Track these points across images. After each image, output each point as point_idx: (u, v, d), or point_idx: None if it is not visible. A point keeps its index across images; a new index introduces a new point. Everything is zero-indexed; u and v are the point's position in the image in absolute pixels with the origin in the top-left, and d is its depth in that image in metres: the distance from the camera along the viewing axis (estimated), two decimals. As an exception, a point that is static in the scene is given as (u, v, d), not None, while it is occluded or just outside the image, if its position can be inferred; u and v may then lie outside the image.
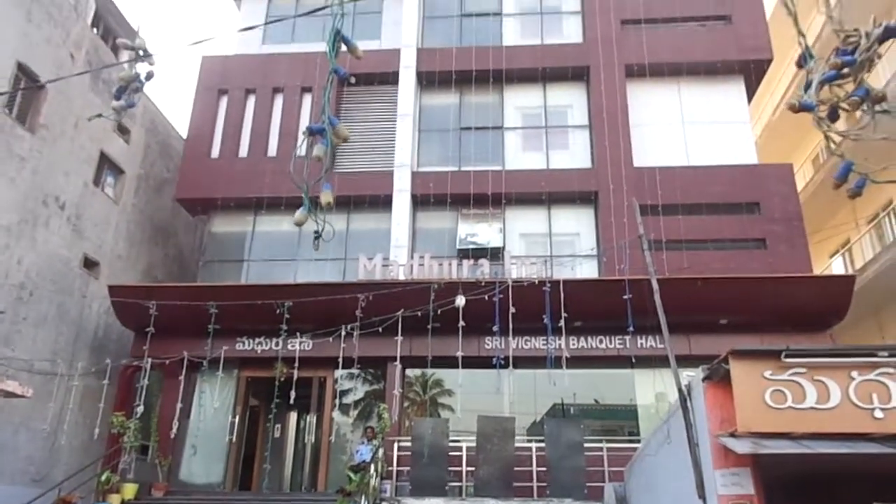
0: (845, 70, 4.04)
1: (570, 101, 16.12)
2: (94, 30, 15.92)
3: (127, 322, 13.72)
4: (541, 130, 15.96)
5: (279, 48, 16.86)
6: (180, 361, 12.46)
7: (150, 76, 5.44)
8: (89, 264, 14.80)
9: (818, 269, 16.45)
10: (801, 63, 4.46)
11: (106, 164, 15.59)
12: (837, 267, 17.77)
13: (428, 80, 16.19)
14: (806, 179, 17.40)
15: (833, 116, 4.14)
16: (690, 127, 15.23)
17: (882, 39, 3.98)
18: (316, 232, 3.99)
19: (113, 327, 14.65)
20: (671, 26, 15.80)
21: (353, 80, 4.61)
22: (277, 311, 12.27)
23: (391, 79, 16.05)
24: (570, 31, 16.74)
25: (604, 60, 15.60)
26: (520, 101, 16.21)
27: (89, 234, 14.79)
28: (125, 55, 6.26)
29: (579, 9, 16.70)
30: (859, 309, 12.92)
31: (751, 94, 15.85)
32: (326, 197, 3.89)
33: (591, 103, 15.49)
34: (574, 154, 15.59)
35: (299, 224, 3.96)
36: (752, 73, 15.46)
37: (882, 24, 3.99)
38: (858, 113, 4.15)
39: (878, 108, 3.87)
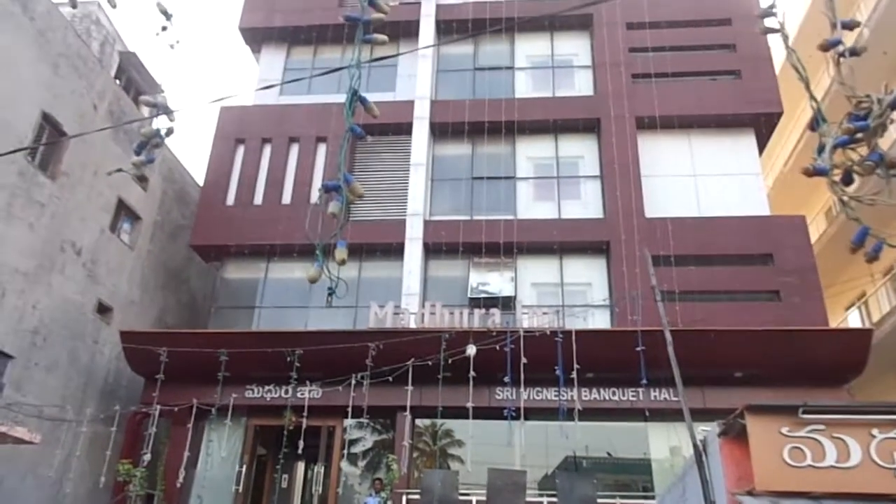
0: (858, 135, 4.07)
1: (581, 151, 16.28)
2: (118, 81, 16.39)
3: (137, 368, 13.71)
4: (552, 181, 16.08)
5: (296, 99, 17.24)
6: (189, 409, 12.38)
7: (170, 132, 5.57)
8: (103, 310, 14.90)
9: (834, 322, 16.25)
10: (814, 126, 4.50)
11: (123, 210, 15.83)
12: (854, 320, 17.54)
13: (441, 131, 16.45)
14: (819, 231, 17.34)
15: (847, 180, 4.16)
16: (702, 179, 15.29)
17: (894, 106, 4.02)
18: (329, 288, 3.99)
19: (123, 373, 14.64)
20: (681, 80, 16.02)
21: (368, 138, 4.66)
22: (288, 360, 12.22)
23: (405, 129, 16.32)
24: (582, 85, 17.03)
25: (615, 113, 15.81)
26: (532, 152, 16.40)
27: (104, 280, 14.92)
28: (146, 111, 6.42)
29: (590, 63, 17.02)
30: (877, 363, 12.68)
31: (762, 146, 15.95)
32: (341, 254, 3.90)
33: (603, 154, 15.64)
34: (586, 204, 15.66)
35: (313, 281, 3.97)
36: (763, 125, 15.60)
37: (894, 90, 4.03)
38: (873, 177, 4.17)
39: (893, 172, 3.88)
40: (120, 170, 6.47)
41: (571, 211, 15.53)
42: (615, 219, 14.68)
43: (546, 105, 16.48)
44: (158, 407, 12.15)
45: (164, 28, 6.27)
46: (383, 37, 4.68)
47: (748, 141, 15.63)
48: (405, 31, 17.43)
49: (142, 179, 16.44)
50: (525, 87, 17.22)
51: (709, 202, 14.97)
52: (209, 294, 17.25)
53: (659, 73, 15.99)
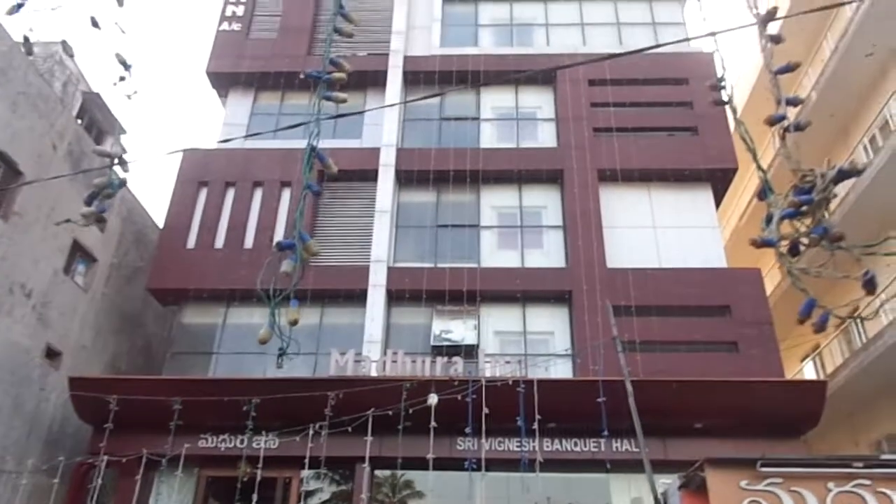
0: (803, 208, 4.23)
1: (544, 202, 16.53)
2: (79, 121, 16.19)
3: (85, 416, 13.16)
4: (516, 230, 16.25)
5: (261, 143, 17.21)
6: (138, 459, 11.87)
7: (122, 184, 5.52)
8: (52, 354, 14.35)
9: (790, 374, 16.53)
10: (762, 196, 4.67)
11: (78, 252, 15.44)
12: (809, 372, 17.88)
13: (406, 179, 16.56)
14: (774, 284, 17.77)
15: (794, 251, 4.30)
16: (661, 231, 15.63)
17: (836, 181, 4.19)
18: (280, 349, 3.90)
19: (70, 421, 14.03)
20: (641, 135, 16.51)
21: (322, 192, 4.67)
22: (244, 408, 11.88)
23: (371, 176, 16.39)
24: (545, 137, 17.40)
25: (577, 165, 16.16)
26: (495, 201, 16.59)
27: (54, 324, 14.42)
28: (98, 161, 6.33)
29: (553, 116, 17.45)
30: (833, 414, 12.90)
31: (718, 200, 16.42)
32: (293, 314, 3.85)
33: (565, 205, 15.90)
34: (548, 254, 15.83)
35: (263, 342, 3.89)
36: (719, 180, 16.10)
37: (835, 166, 4.22)
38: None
39: (836, 245, 4.03)
40: (69, 220, 6.35)
41: (534, 260, 15.67)
42: (577, 269, 14.85)
43: (510, 155, 16.77)
44: (105, 457, 11.63)
45: (122, 78, 6.27)
46: (343, 95, 4.74)
47: (705, 195, 16.08)
48: (372, 80, 17.67)
49: (99, 221, 16.10)
50: (490, 137, 17.52)
51: (668, 254, 15.27)
52: (165, 339, 16.78)
53: (620, 127, 16.45)
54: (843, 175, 4.19)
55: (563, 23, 19.06)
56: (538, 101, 17.95)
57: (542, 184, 16.53)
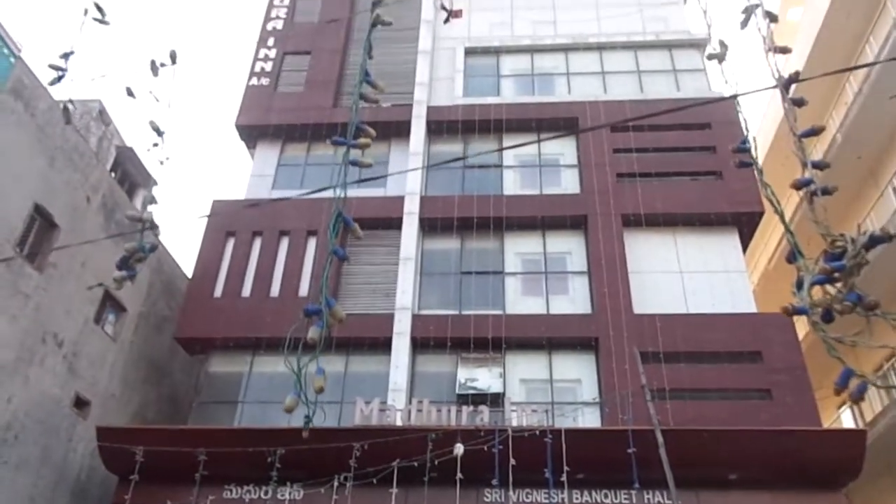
0: (835, 274, 4.14)
1: (569, 247, 16.50)
2: (113, 174, 16.66)
3: (112, 466, 13.17)
4: (540, 276, 16.20)
5: (288, 193, 17.52)
6: (163, 511, 11.82)
7: (153, 248, 5.66)
8: (80, 404, 14.48)
9: (827, 422, 16.02)
10: (791, 259, 4.60)
11: (109, 302, 15.70)
12: (847, 420, 17.31)
13: (430, 226, 16.68)
14: (806, 329, 17.38)
15: (827, 318, 4.20)
16: (688, 275, 15.46)
17: (868, 247, 4.11)
18: (306, 416, 3.88)
19: (97, 471, 14.05)
20: (665, 180, 16.50)
21: (360, 233, 4.69)
22: (269, 459, 11.81)
23: (395, 224, 16.54)
24: (568, 183, 17.47)
25: (601, 210, 16.15)
26: (520, 248, 16.60)
27: (84, 373, 14.59)
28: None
29: (576, 162, 17.54)
30: (872, 465, 12.42)
31: (745, 243, 16.24)
32: (319, 382, 3.80)
33: (590, 251, 15.84)
34: (574, 300, 15.71)
35: (289, 410, 3.86)
36: (745, 224, 15.95)
37: (867, 232, 4.14)
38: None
39: (872, 313, 3.93)
40: (101, 284, 6.53)
41: (560, 306, 15.55)
42: (603, 315, 14.69)
43: (534, 202, 16.84)
44: (131, 509, 11.60)
45: (155, 144, 6.51)
46: (369, 161, 4.83)
47: (732, 239, 15.93)
48: (396, 131, 18.01)
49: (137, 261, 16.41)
50: (513, 184, 17.64)
51: (696, 299, 15.07)
52: (192, 388, 16.85)
53: (643, 172, 16.48)
54: (874, 241, 4.10)
55: (584, 72, 19.33)
56: (561, 147, 18.08)
57: (567, 229, 16.52)
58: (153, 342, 17.12)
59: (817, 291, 4.27)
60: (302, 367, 3.85)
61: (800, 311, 4.25)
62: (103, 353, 15.31)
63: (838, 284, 4.13)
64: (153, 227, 5.55)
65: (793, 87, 5.38)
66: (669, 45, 19.32)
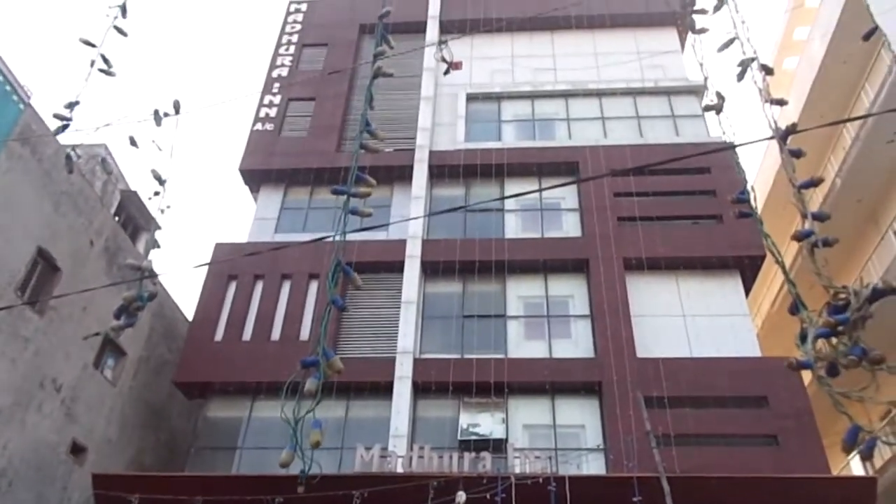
0: (839, 328, 4.11)
1: (571, 291, 16.46)
2: (117, 218, 16.77)
3: (107, 515, 12.91)
4: (543, 319, 16.12)
5: (291, 237, 17.59)
6: (158, 561, 11.53)
7: (152, 297, 5.69)
8: (77, 450, 14.27)
9: (836, 469, 15.71)
10: (793, 311, 4.58)
11: (108, 346, 15.61)
12: (856, 467, 16.98)
13: (432, 270, 16.68)
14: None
15: (833, 372, 4.16)
16: (691, 319, 15.37)
17: (871, 300, 4.09)
18: (302, 471, 3.81)
19: (92, 520, 13.77)
20: (666, 223, 16.55)
21: (347, 308, 4.70)
22: (267, 508, 11.56)
23: (397, 268, 16.55)
24: (569, 226, 17.53)
25: (602, 254, 16.16)
26: (522, 291, 16.56)
27: (81, 418, 14.42)
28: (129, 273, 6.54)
29: (577, 206, 17.63)
30: (886, 514, 12.14)
31: (748, 287, 16.19)
32: (315, 436, 3.73)
33: (592, 294, 15.80)
34: (577, 344, 15.60)
35: (284, 465, 3.79)
36: (747, 267, 15.93)
37: (869, 284, 4.13)
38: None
39: (878, 367, 3.89)
40: (97, 334, 6.54)
41: (563, 350, 15.44)
42: (607, 359, 14.57)
43: (535, 245, 16.88)
44: (125, 559, 11.31)
45: (156, 193, 6.59)
46: (369, 210, 4.87)
47: (734, 282, 15.89)
48: (399, 175, 18.18)
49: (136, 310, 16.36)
50: (515, 227, 17.70)
51: (700, 343, 14.95)
52: (190, 433, 16.62)
53: (644, 216, 16.54)
54: (877, 294, 4.08)
55: (584, 117, 19.59)
56: (562, 191, 18.19)
57: (569, 273, 16.51)
58: (152, 386, 16.96)
59: (821, 343, 4.22)
60: (298, 419, 3.78)
61: (804, 366, 4.21)
62: (102, 397, 15.16)
63: (843, 337, 4.09)
64: (152, 276, 5.56)
65: (790, 137, 5.43)
66: (668, 92, 19.62)
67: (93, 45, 6.74)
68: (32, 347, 13.13)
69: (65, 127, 6.56)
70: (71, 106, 6.52)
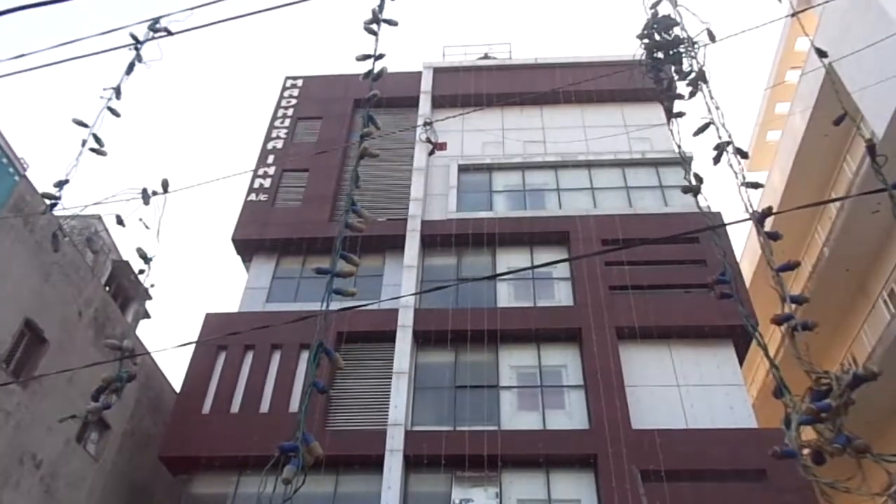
0: (823, 414, 4.11)
1: (564, 360, 16.32)
2: (107, 288, 16.69)
3: None
4: (536, 390, 15.92)
5: (282, 307, 17.50)
6: None
7: (131, 378, 5.67)
8: (54, 530, 13.75)
9: (840, 545, 15.25)
10: (777, 395, 4.58)
11: (93, 420, 15.24)
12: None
13: (424, 339, 16.55)
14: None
15: (818, 460, 4.13)
16: (686, 389, 15.22)
17: (852, 386, 4.10)
18: None
19: None
20: (657, 292, 16.59)
21: (327, 390, 4.69)
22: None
23: (388, 337, 16.42)
24: (561, 295, 17.54)
25: (595, 323, 16.11)
26: (514, 361, 16.41)
27: (61, 496, 13.95)
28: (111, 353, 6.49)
29: (569, 275, 17.69)
30: None
31: (741, 356, 16.10)
32: None
33: (585, 364, 15.66)
34: (571, 414, 15.36)
35: None
36: (740, 336, 15.87)
37: (850, 371, 4.15)
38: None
39: (862, 456, 3.87)
40: (74, 416, 6.46)
41: (557, 421, 15.18)
42: (601, 430, 14.31)
43: (527, 315, 16.83)
44: None
45: (141, 271, 6.64)
46: (353, 290, 4.91)
47: (727, 351, 15.81)
48: (391, 244, 18.29)
49: (117, 390, 16.06)
50: (507, 297, 17.69)
51: (695, 413, 14.74)
52: (173, 511, 16.07)
53: (635, 285, 16.58)
54: (858, 380, 4.09)
55: (574, 187, 19.91)
56: (553, 260, 18.28)
57: (561, 342, 16.41)
58: (136, 462, 16.49)
59: (809, 430, 4.18)
60: None
61: (788, 454, 4.17)
62: (83, 473, 14.71)
63: (828, 423, 4.05)
64: (132, 356, 5.51)
65: (769, 220, 5.52)
66: (655, 163, 20.03)
67: (85, 126, 6.87)
68: (13, 421, 12.82)
69: (53, 206, 6.63)
70: (60, 185, 6.60)
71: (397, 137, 21.02)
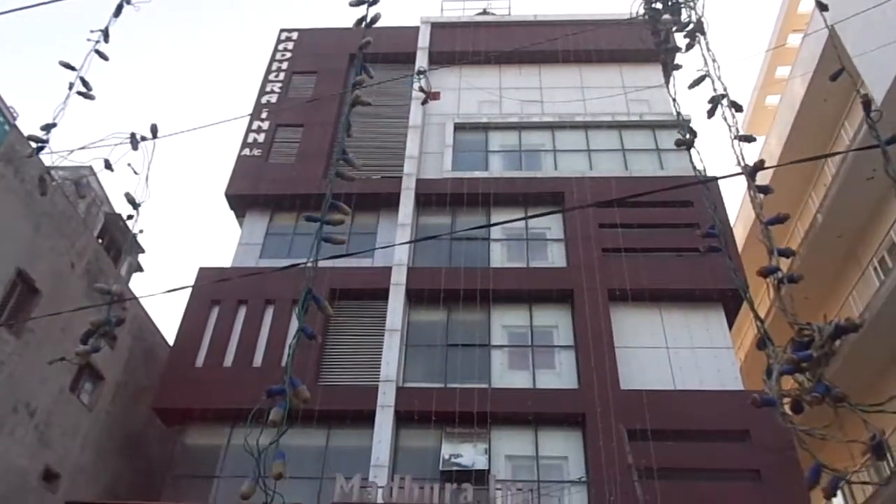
0: (803, 364, 4.15)
1: (555, 321, 16.45)
2: (100, 240, 16.62)
3: (77, 544, 12.59)
4: (527, 349, 16.07)
5: (275, 262, 17.48)
6: None
7: (120, 322, 5.64)
8: (49, 476, 13.94)
9: (818, 504, 15.63)
10: (761, 346, 4.62)
11: (87, 370, 15.35)
12: (838, 503, 16.91)
13: (417, 298, 16.63)
14: (795, 407, 17.22)
15: (797, 409, 4.18)
16: (675, 351, 15.39)
17: (834, 336, 4.13)
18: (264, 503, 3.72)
19: (61, 551, 13.41)
20: (650, 256, 16.64)
21: (319, 338, 4.68)
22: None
23: (381, 295, 16.48)
24: (555, 256, 17.59)
25: (587, 285, 16.20)
26: (506, 321, 16.53)
27: (55, 444, 14.11)
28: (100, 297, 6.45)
29: (562, 236, 17.71)
30: (868, 551, 12.06)
31: (731, 320, 16.25)
32: (277, 468, 3.65)
33: (577, 325, 15.79)
34: (560, 374, 15.55)
35: (245, 497, 3.70)
36: (730, 300, 15.99)
37: (832, 322, 4.18)
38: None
39: (840, 405, 3.92)
40: (63, 359, 6.44)
41: (546, 381, 15.37)
42: (590, 390, 14.50)
43: (520, 275, 16.89)
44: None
45: (130, 216, 6.55)
46: (342, 237, 4.88)
47: (717, 315, 15.95)
48: (385, 202, 18.23)
49: (112, 338, 16.12)
50: (500, 257, 17.73)
51: (683, 375, 14.94)
52: (167, 461, 16.29)
53: (628, 248, 16.61)
54: (840, 331, 4.13)
55: (570, 149, 19.80)
56: (547, 221, 18.29)
57: (553, 303, 16.51)
58: (130, 412, 16.66)
59: (790, 381, 4.24)
60: (262, 450, 3.69)
61: (768, 402, 4.23)
62: (77, 423, 14.86)
63: (808, 374, 4.11)
64: (121, 301, 5.49)
65: (759, 174, 5.51)
66: (652, 126, 19.89)
67: (72, 68, 6.72)
68: (7, 370, 12.89)
69: (40, 149, 6.51)
70: (47, 128, 6.47)
71: (393, 94, 20.78)
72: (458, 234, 18.00)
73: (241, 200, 19.06)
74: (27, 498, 13.25)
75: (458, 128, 20.42)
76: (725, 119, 5.79)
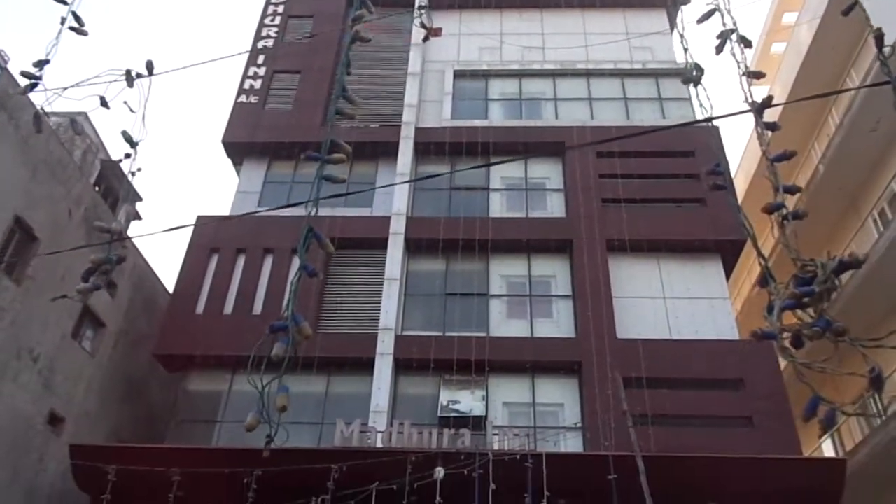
0: (805, 299, 4.14)
1: (553, 271, 16.51)
2: (97, 188, 16.52)
3: (84, 486, 12.86)
4: (525, 299, 16.18)
5: (272, 211, 17.38)
6: (135, 532, 11.54)
7: (121, 260, 5.60)
8: (54, 421, 14.19)
9: (808, 450, 16.01)
10: (762, 283, 4.61)
11: (88, 317, 15.46)
12: (828, 449, 17.32)
13: (416, 247, 16.64)
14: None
15: (797, 344, 4.20)
16: (671, 301, 15.50)
17: (837, 272, 4.12)
18: (268, 436, 3.78)
19: (70, 493, 13.70)
20: (649, 206, 16.59)
21: (319, 275, 4.67)
22: (245, 480, 11.59)
23: (380, 244, 16.49)
24: (554, 206, 17.54)
25: (586, 235, 16.20)
26: (505, 270, 16.59)
27: (59, 389, 14.32)
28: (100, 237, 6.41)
29: (562, 186, 17.62)
30: (854, 495, 12.39)
31: (728, 271, 16.32)
32: (282, 401, 3.70)
33: (575, 275, 15.86)
34: (558, 323, 15.69)
35: (250, 429, 3.76)
36: (728, 251, 16.05)
37: (836, 257, 4.16)
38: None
39: (840, 339, 3.92)
40: (65, 296, 6.41)
41: (544, 330, 15.52)
42: (587, 339, 14.66)
43: (519, 225, 16.87)
44: (102, 530, 11.31)
45: (127, 155, 6.44)
46: (342, 176, 4.81)
47: (715, 266, 16.01)
48: (384, 151, 18.06)
49: (111, 285, 16.20)
50: (499, 207, 17.67)
51: (679, 325, 15.09)
52: (170, 407, 16.57)
53: (628, 198, 16.55)
54: (843, 266, 4.12)
55: (572, 97, 19.51)
56: (547, 171, 18.18)
57: (552, 253, 16.55)
58: (132, 359, 16.86)
59: (790, 317, 4.25)
60: (266, 385, 3.75)
61: (768, 336, 4.25)
62: (80, 369, 15.04)
63: (809, 309, 4.13)
64: (121, 239, 5.46)
65: (767, 112, 5.42)
66: (655, 74, 19.57)
67: (65, 3, 6.53)
68: (9, 317, 12.97)
69: (34, 86, 6.36)
70: (40, 64, 6.31)
71: (392, 42, 20.38)
72: (458, 184, 17.90)
73: (239, 148, 18.86)
74: (33, 441, 13.52)
75: (458, 75, 20.09)
76: (734, 54, 5.66)
